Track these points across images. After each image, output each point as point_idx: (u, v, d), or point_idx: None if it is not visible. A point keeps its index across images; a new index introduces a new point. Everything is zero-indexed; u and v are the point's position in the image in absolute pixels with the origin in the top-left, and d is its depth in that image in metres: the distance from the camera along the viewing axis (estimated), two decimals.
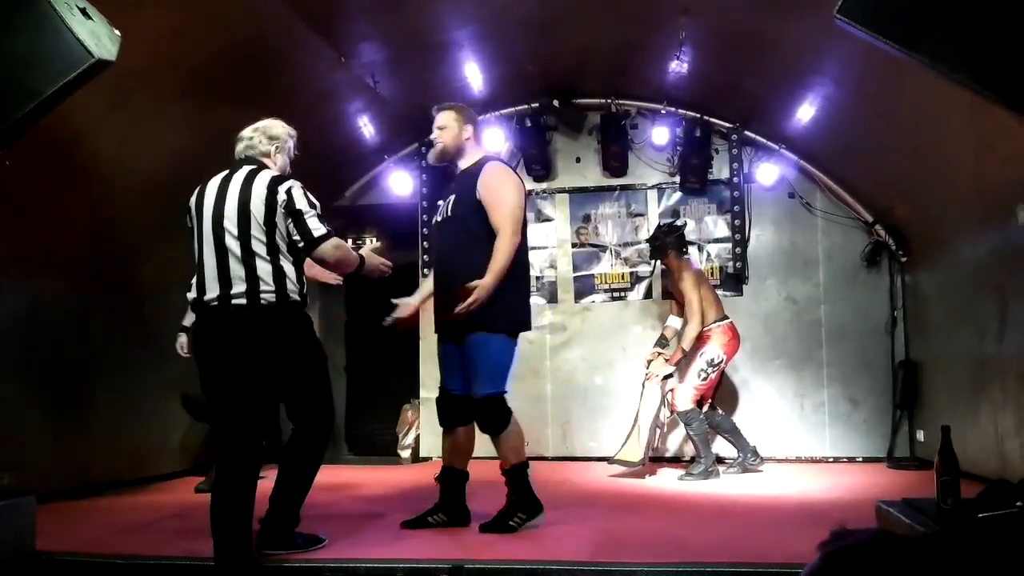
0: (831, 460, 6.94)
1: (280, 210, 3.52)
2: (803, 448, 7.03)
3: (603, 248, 7.58)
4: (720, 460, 6.24)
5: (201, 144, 5.64)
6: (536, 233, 7.69)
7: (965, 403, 5.55)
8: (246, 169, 3.66)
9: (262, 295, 3.48)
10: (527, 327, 4.14)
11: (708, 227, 7.41)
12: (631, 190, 7.55)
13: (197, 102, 5.28)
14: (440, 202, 4.34)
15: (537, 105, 7.31)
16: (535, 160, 7.48)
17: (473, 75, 6.63)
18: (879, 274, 7.04)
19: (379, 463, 7.62)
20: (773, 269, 7.27)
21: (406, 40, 6.02)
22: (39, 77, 3.02)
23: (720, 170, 7.35)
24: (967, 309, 5.56)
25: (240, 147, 3.82)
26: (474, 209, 4.04)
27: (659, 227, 6.57)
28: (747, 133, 7.21)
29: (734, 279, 7.26)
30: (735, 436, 6.22)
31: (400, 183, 7.65)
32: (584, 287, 7.60)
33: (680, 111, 7.18)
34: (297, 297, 3.58)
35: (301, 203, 3.56)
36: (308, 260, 3.72)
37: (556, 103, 7.22)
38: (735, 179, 7.29)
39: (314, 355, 3.80)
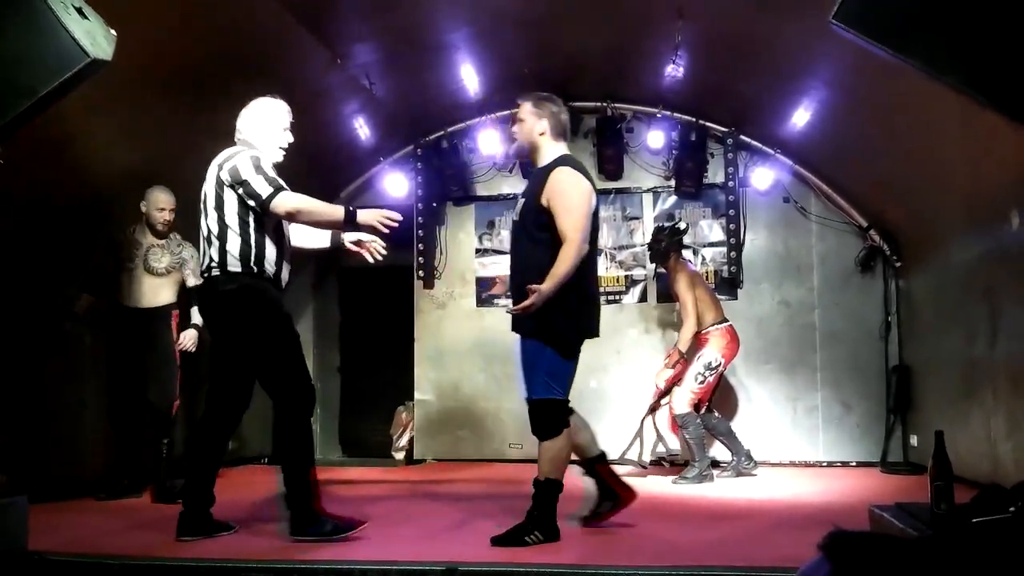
0: (824, 464, 6.95)
1: (227, 188, 3.81)
2: (796, 452, 7.04)
3: (598, 251, 7.56)
4: (715, 464, 6.24)
5: (194, 143, 5.63)
6: None
7: (957, 407, 5.57)
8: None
9: (212, 270, 3.85)
10: (585, 336, 3.96)
11: (703, 231, 7.41)
12: (626, 193, 7.56)
13: (190, 101, 5.27)
14: (516, 196, 4.18)
15: None
16: (530, 163, 7.45)
17: (469, 77, 6.63)
18: (873, 279, 7.06)
19: (373, 465, 7.61)
20: (767, 273, 7.29)
21: (402, 41, 6.02)
22: (35, 76, 3.01)
23: (715, 174, 7.37)
24: (959, 313, 5.57)
25: None
26: (537, 214, 3.85)
27: (660, 230, 6.52)
28: (742, 137, 7.23)
29: (729, 283, 7.27)
30: (730, 439, 6.23)
31: (395, 184, 7.65)
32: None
33: (676, 115, 7.20)
34: (237, 268, 3.79)
35: (246, 172, 3.78)
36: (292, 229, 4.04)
37: None
38: (730, 183, 7.30)
39: (270, 331, 3.84)
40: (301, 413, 3.90)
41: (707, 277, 7.17)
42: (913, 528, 2.91)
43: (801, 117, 6.28)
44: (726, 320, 6.15)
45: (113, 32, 3.23)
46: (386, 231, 4.02)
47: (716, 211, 7.40)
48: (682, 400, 6.01)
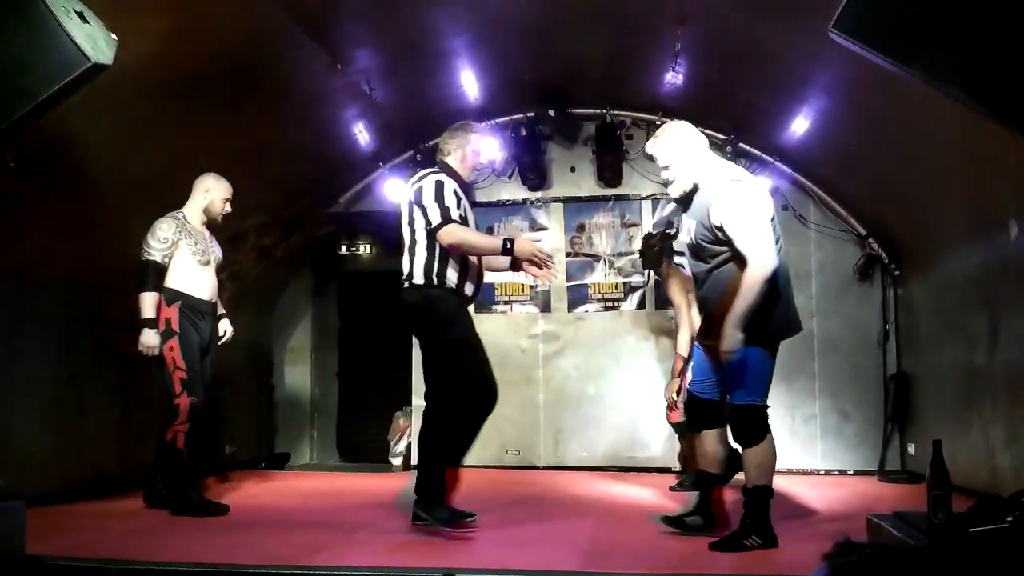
0: (822, 472, 6.95)
1: (414, 206, 4.18)
2: (794, 460, 7.03)
3: (597, 258, 7.59)
4: None
5: (194, 148, 5.65)
6: None
7: (956, 416, 5.57)
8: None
9: (404, 281, 4.28)
10: (785, 334, 3.94)
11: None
12: (625, 200, 7.57)
13: (191, 106, 5.27)
14: (684, 217, 4.12)
15: (532, 114, 7.33)
16: (530, 169, 7.50)
17: (469, 83, 6.64)
18: (871, 287, 7.06)
19: (370, 470, 7.60)
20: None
21: (402, 47, 6.02)
22: (36, 80, 3.02)
23: None
24: (958, 322, 5.58)
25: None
26: (711, 233, 3.83)
27: (651, 236, 6.52)
28: (741, 145, 7.22)
29: None
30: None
31: (395, 190, 7.63)
32: (578, 296, 7.60)
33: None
34: (421, 281, 4.16)
35: (427, 196, 4.14)
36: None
37: (551, 112, 7.23)
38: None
39: (440, 336, 4.18)
40: (460, 414, 4.18)
41: None
42: (911, 537, 2.92)
43: (800, 125, 6.29)
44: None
45: (114, 36, 3.24)
46: (540, 268, 4.26)
47: None
48: (677, 410, 6.01)
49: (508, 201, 7.74)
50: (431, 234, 4.13)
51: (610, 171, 7.43)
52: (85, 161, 5.07)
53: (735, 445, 4.03)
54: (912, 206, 6.16)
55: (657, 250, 6.30)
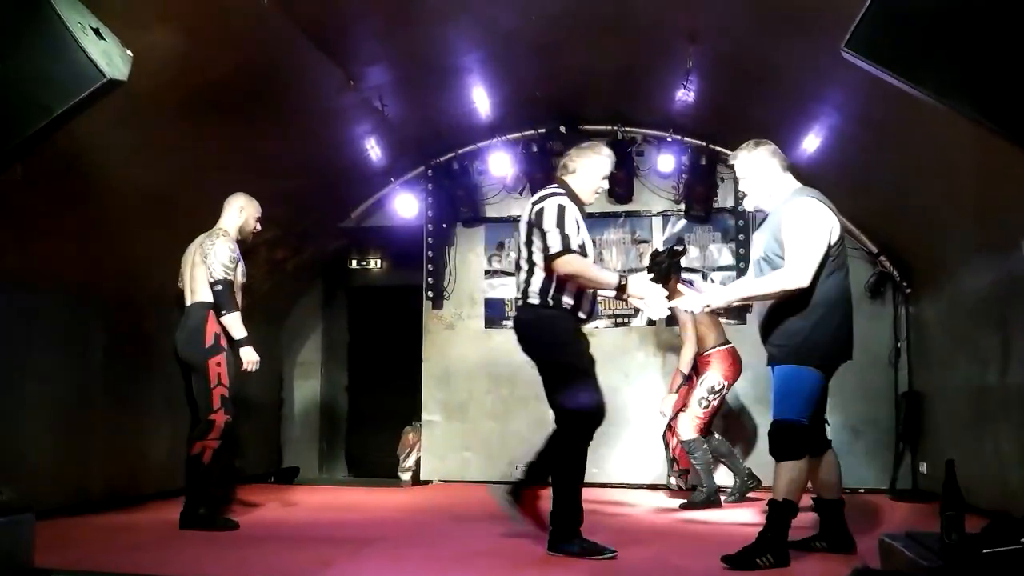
0: None
1: (533, 227, 4.14)
2: None
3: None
4: (720, 489, 6.21)
5: (207, 162, 5.68)
6: None
7: (968, 435, 5.53)
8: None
9: (519, 300, 4.30)
10: (839, 359, 3.98)
11: (712, 255, 7.42)
12: (636, 217, 7.58)
13: (203, 121, 5.31)
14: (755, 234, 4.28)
15: (544, 131, 7.34)
16: (541, 185, 7.37)
17: (480, 100, 6.66)
18: (883, 305, 7.03)
19: (379, 485, 7.59)
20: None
21: (414, 64, 6.06)
22: (51, 95, 3.05)
23: (725, 198, 7.37)
24: (970, 340, 5.55)
25: None
26: (779, 247, 3.91)
27: (658, 252, 6.52)
28: None
29: (738, 308, 7.23)
30: (731, 460, 6.21)
31: (406, 206, 7.67)
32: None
33: (686, 139, 7.21)
34: (536, 300, 4.15)
35: (548, 220, 4.09)
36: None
37: (562, 129, 7.26)
38: (740, 208, 7.30)
39: (550, 356, 4.18)
40: (577, 434, 4.13)
41: None
42: (923, 558, 2.89)
43: (811, 143, 6.28)
44: (728, 342, 6.12)
45: (129, 53, 3.27)
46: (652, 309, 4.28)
47: (726, 235, 7.41)
48: (688, 426, 5.99)
49: (519, 217, 7.71)
50: (549, 259, 4.09)
51: (621, 188, 7.44)
52: (97, 175, 5.10)
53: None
54: (923, 224, 6.14)
55: (665, 267, 6.27)
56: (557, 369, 4.17)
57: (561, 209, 4.11)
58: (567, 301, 4.13)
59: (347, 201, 7.89)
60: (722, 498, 6.02)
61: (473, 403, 7.70)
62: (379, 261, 8.67)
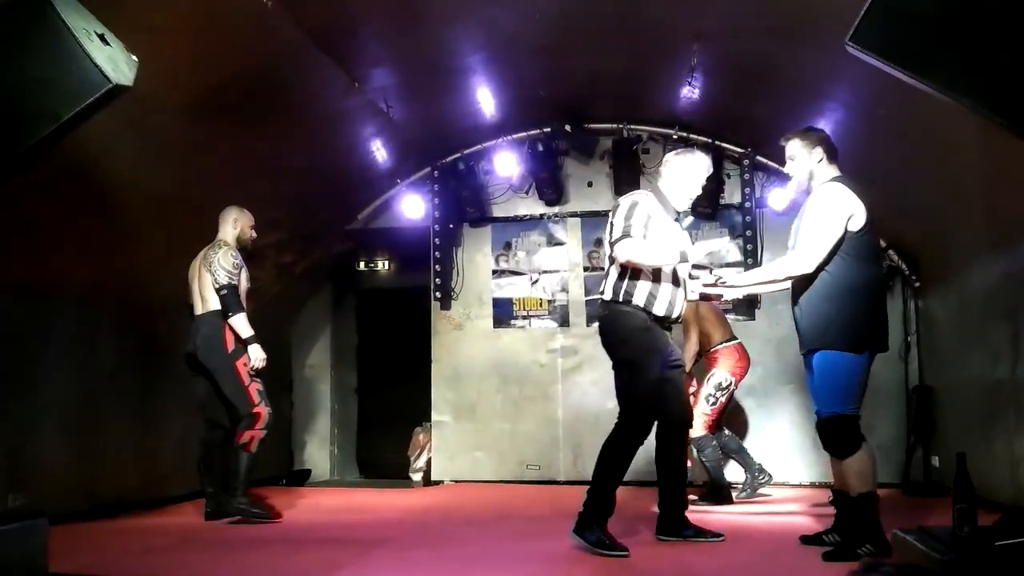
0: None
1: (609, 225, 4.27)
2: (816, 474, 6.97)
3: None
4: (732, 485, 6.19)
5: (214, 167, 5.70)
6: (548, 257, 7.72)
7: (979, 429, 5.51)
8: None
9: (600, 296, 4.38)
10: (879, 347, 3.88)
11: (720, 252, 7.41)
12: None
13: (210, 125, 5.32)
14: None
15: (549, 130, 7.34)
16: (547, 184, 7.52)
17: (485, 100, 6.67)
18: (892, 299, 6.99)
19: (390, 486, 7.61)
20: (785, 294, 7.08)
21: (419, 65, 6.06)
22: (57, 101, 3.06)
23: (732, 195, 7.36)
24: (981, 334, 5.52)
25: None
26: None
27: None
28: (759, 158, 7.22)
29: (747, 303, 7.23)
30: (742, 455, 6.20)
31: (412, 207, 7.67)
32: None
33: (692, 136, 7.20)
34: (609, 296, 4.25)
35: (618, 215, 4.22)
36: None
37: (568, 128, 7.24)
38: (747, 204, 7.29)
39: (614, 352, 4.27)
40: (629, 431, 4.18)
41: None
42: (936, 551, 2.88)
43: None
44: (735, 338, 6.10)
45: (135, 58, 3.28)
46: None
47: (733, 232, 7.40)
48: (697, 424, 5.95)
49: (526, 216, 7.75)
50: (612, 249, 4.22)
51: (627, 186, 7.40)
52: (105, 181, 5.12)
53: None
54: (931, 218, 6.12)
55: None
56: (619, 365, 4.26)
57: (633, 205, 4.22)
58: (639, 297, 4.19)
59: (354, 203, 7.90)
60: (734, 494, 6.01)
61: (483, 403, 7.71)
62: (387, 263, 8.69)
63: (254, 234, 5.56)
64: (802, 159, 4.08)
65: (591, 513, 4.06)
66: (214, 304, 5.23)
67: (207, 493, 5.36)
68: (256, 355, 5.25)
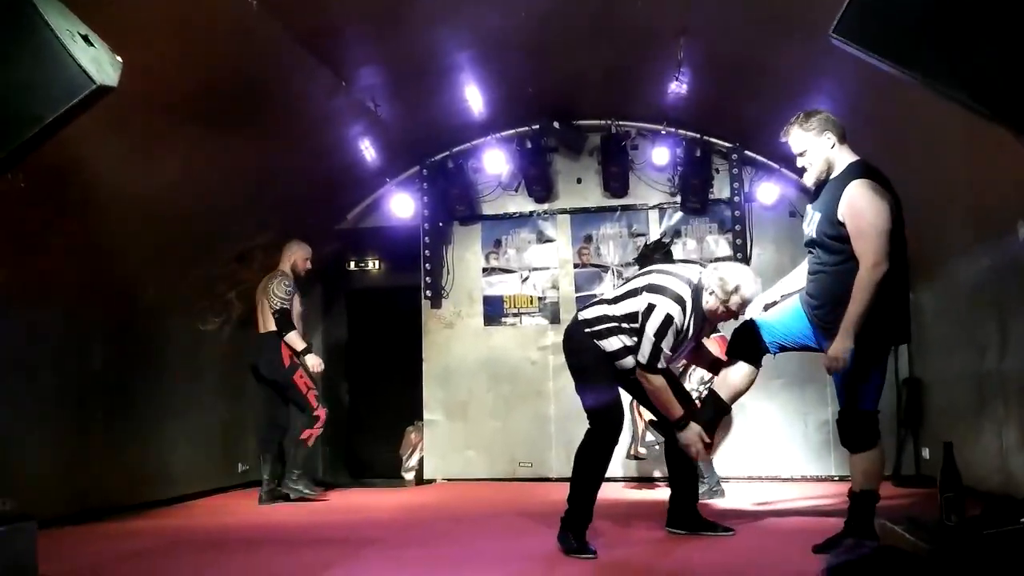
0: (836, 479, 6.90)
1: (641, 315, 4.07)
2: (807, 467, 7.00)
3: (605, 268, 7.59)
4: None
5: (201, 169, 5.68)
6: (537, 254, 7.72)
7: (968, 420, 5.53)
8: None
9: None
10: (898, 340, 3.83)
11: (709, 246, 7.41)
12: (632, 210, 7.58)
13: (196, 127, 5.30)
14: (808, 208, 4.03)
15: (537, 127, 7.35)
16: (536, 181, 7.52)
17: (473, 97, 6.66)
18: None
19: (382, 485, 7.60)
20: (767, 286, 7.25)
21: (406, 64, 6.05)
22: (41, 103, 3.03)
23: (721, 190, 7.38)
24: (969, 326, 5.55)
25: None
26: (834, 227, 3.71)
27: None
28: (747, 152, 7.24)
29: None
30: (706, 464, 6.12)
31: (402, 205, 7.66)
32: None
33: (680, 131, 7.22)
34: (588, 317, 4.20)
35: (651, 323, 3.98)
36: None
37: (556, 124, 7.26)
38: (736, 198, 7.30)
39: (572, 357, 4.23)
40: (598, 438, 4.11)
41: None
42: (923, 541, 2.89)
43: None
44: (717, 330, 6.09)
45: (119, 59, 3.26)
46: None
47: (722, 227, 7.41)
48: None
49: (515, 213, 7.75)
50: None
51: (616, 182, 7.44)
52: (92, 184, 5.09)
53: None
54: (919, 211, 6.09)
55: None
56: (574, 372, 4.24)
57: (667, 322, 3.99)
58: (608, 347, 4.12)
59: (343, 203, 7.89)
60: (724, 488, 6.01)
61: (474, 401, 7.71)
62: (377, 262, 8.67)
63: (309, 265, 6.52)
64: (814, 149, 3.86)
65: (570, 518, 4.04)
66: (272, 325, 6.22)
67: (263, 480, 6.32)
68: (312, 362, 6.31)
